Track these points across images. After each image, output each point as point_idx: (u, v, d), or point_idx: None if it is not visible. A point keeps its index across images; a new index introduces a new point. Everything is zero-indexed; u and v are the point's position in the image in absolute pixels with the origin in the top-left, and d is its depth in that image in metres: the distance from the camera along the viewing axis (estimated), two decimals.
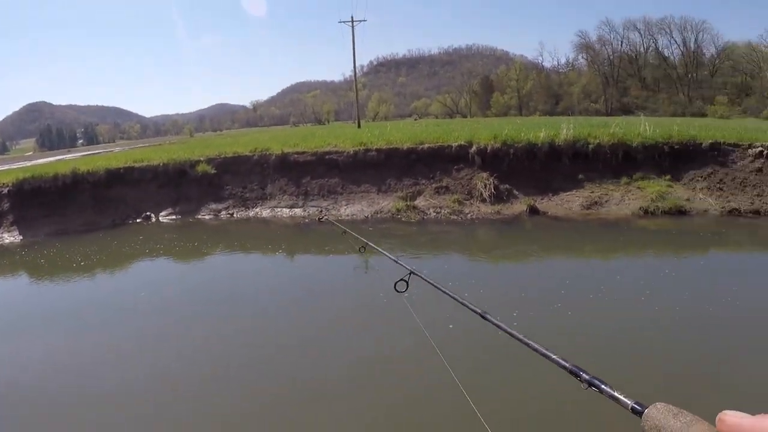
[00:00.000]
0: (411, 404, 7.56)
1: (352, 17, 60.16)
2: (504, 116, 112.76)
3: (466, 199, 20.97)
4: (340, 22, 61.72)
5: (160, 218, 22.55)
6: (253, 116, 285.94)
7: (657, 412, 1.33)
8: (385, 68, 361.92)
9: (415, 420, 7.24)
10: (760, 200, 20.88)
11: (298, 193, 22.52)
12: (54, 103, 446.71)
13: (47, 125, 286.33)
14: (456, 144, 22.78)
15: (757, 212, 20.29)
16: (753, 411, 0.97)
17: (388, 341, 9.52)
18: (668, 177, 21.95)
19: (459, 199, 20.84)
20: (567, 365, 2.41)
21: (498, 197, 20.94)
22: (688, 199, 20.99)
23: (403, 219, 19.98)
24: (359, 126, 54.82)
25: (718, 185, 21.71)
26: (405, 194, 21.19)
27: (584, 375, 2.26)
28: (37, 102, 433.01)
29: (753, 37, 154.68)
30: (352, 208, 21.17)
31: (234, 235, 19.74)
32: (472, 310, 3.17)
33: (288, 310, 11.46)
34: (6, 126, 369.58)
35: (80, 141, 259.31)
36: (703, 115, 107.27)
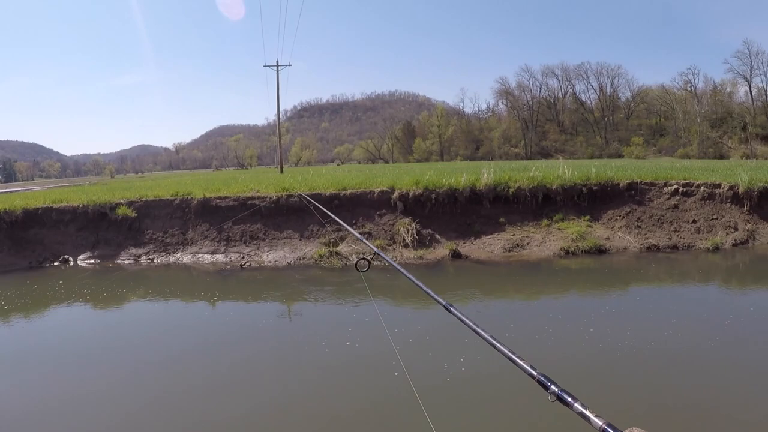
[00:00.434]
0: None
1: (277, 62, 60.49)
2: (426, 161, 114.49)
3: (389, 245, 20.96)
4: (266, 66, 61.92)
5: (78, 262, 21.81)
6: (176, 159, 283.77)
7: None
8: (309, 113, 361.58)
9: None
10: (677, 236, 21.45)
11: (219, 239, 22.20)
12: None
13: None
14: (378, 190, 22.81)
15: (675, 247, 20.88)
16: None
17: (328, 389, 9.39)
18: (587, 217, 22.36)
19: (382, 244, 20.78)
20: (535, 374, 2.33)
21: (420, 242, 20.99)
22: (607, 238, 21.38)
23: (325, 265, 19.78)
24: (282, 171, 54.95)
25: (636, 223, 22.19)
26: (328, 240, 21.06)
27: (553, 387, 2.18)
28: None
29: (666, 80, 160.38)
30: (275, 255, 20.97)
31: (155, 282, 19.08)
32: (437, 301, 3.10)
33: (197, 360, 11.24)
34: None
35: None
36: (620, 156, 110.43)
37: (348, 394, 9.16)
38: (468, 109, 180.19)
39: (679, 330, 11.59)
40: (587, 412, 1.89)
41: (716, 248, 20.84)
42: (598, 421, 1.79)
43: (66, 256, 21.98)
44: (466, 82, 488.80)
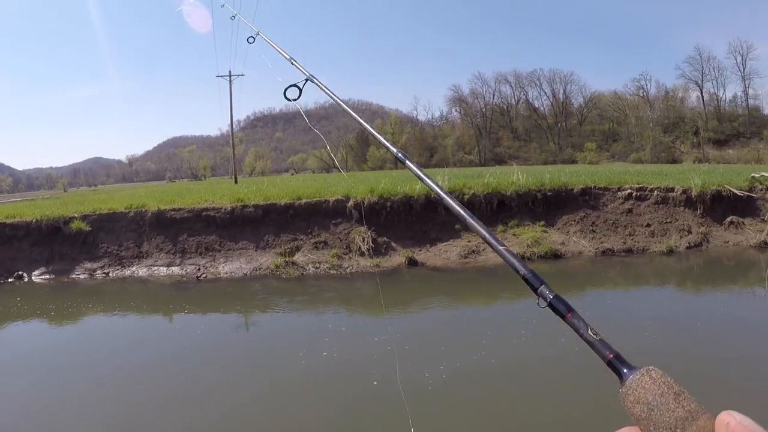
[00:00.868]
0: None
1: (230, 72, 60.15)
2: (380, 169, 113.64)
3: (345, 254, 20.88)
4: (218, 76, 61.29)
5: (33, 278, 21.31)
6: (129, 171, 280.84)
7: (651, 382, 0.99)
8: (262, 123, 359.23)
9: None
10: (631, 239, 21.67)
11: (175, 251, 21.94)
12: None
13: None
14: (333, 199, 22.68)
15: (629, 251, 21.12)
16: None
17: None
18: (542, 223, 22.50)
19: (338, 253, 20.71)
20: (522, 270, 1.65)
21: (377, 250, 20.92)
22: (562, 243, 21.52)
23: (282, 275, 19.65)
24: (236, 181, 54.37)
25: (591, 228, 22.35)
26: (284, 250, 20.95)
27: (544, 288, 1.59)
28: None
29: (618, 86, 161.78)
30: (231, 266, 20.80)
31: (112, 296, 18.73)
32: (394, 155, 2.77)
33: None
34: None
35: None
36: (574, 161, 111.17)
37: (333, 403, 9.10)
38: (422, 117, 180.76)
39: (647, 332, 11.69)
40: (588, 333, 1.34)
41: (671, 251, 21.05)
42: (606, 352, 1.28)
43: (20, 272, 21.52)
44: (419, 90, 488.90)
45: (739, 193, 23.43)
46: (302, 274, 19.80)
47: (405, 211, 22.56)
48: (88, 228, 22.62)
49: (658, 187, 23.94)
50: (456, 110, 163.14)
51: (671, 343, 11.26)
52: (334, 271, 19.84)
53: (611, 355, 1.22)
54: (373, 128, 2.94)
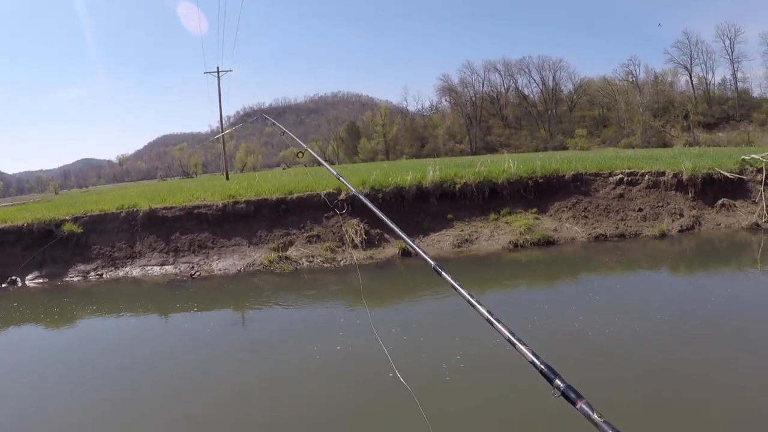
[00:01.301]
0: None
1: (218, 68, 59.91)
2: (372, 161, 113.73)
3: (339, 247, 20.89)
4: (206, 72, 61.11)
5: (27, 282, 21.17)
6: (120, 171, 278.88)
7: None
8: (252, 118, 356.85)
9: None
10: (624, 224, 21.75)
11: (168, 250, 21.88)
12: None
13: None
14: (325, 192, 22.57)
15: (622, 235, 21.21)
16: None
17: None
18: (535, 210, 22.52)
19: (331, 246, 20.72)
20: (538, 363, 2.12)
21: (370, 242, 20.96)
22: (555, 230, 21.56)
23: (276, 270, 19.64)
24: (227, 178, 54.26)
25: (583, 213, 22.41)
26: (277, 245, 20.93)
27: (558, 381, 1.99)
28: None
29: (608, 72, 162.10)
30: (224, 263, 20.78)
31: (106, 297, 18.61)
32: (426, 260, 2.89)
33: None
34: None
35: None
36: (565, 148, 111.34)
37: (345, 396, 9.18)
38: (411, 108, 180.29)
39: (653, 315, 11.76)
40: (593, 416, 1.75)
41: (663, 235, 21.13)
42: (606, 427, 1.68)
43: (14, 277, 21.37)
44: (408, 81, 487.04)
45: (729, 176, 23.46)
46: (296, 268, 19.79)
47: (397, 202, 22.62)
48: (80, 230, 22.50)
49: (649, 172, 23.96)
50: (446, 100, 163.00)
51: (675, 325, 11.31)
52: (328, 265, 19.83)
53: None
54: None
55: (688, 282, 16.28)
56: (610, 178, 23.95)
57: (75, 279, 21.14)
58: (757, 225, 21.66)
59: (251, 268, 20.13)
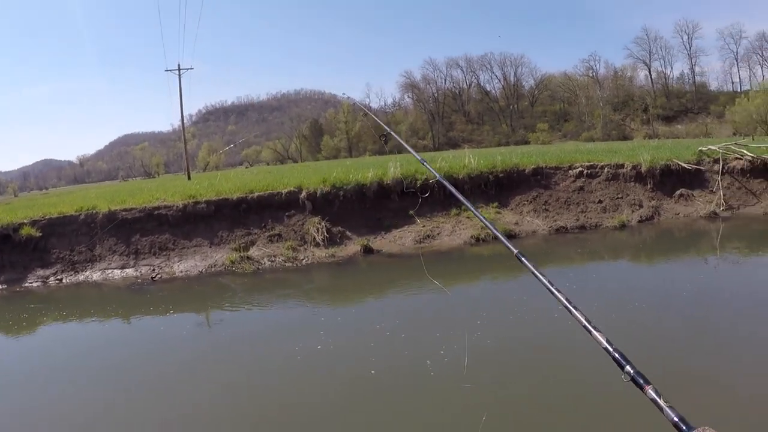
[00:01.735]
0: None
1: (179, 65, 59.13)
2: (335, 158, 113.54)
3: (300, 245, 20.78)
4: (167, 70, 60.37)
5: None
6: (81, 172, 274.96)
7: None
8: (214, 116, 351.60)
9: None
10: (584, 216, 21.94)
11: (128, 253, 21.57)
12: None
13: None
14: (285, 190, 22.53)
15: (582, 227, 21.43)
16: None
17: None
18: (496, 204, 22.64)
19: (293, 245, 20.60)
20: (611, 349, 2.23)
21: (331, 240, 20.87)
22: (516, 223, 21.71)
23: (238, 271, 19.49)
24: (189, 177, 53.73)
25: (543, 207, 22.58)
26: (238, 245, 20.77)
27: (629, 367, 2.10)
28: None
29: (568, 67, 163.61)
30: (186, 264, 20.60)
31: (66, 302, 18.24)
32: (508, 247, 2.94)
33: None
34: None
35: None
36: (527, 142, 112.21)
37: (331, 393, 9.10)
38: (374, 104, 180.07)
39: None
40: (660, 401, 1.83)
41: (623, 225, 21.35)
42: (671, 413, 1.74)
43: None
44: (370, 77, 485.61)
45: (687, 167, 23.78)
46: (258, 268, 19.68)
47: (358, 199, 22.54)
48: (38, 234, 22.11)
49: (608, 164, 24.23)
50: (408, 96, 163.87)
51: (648, 312, 11.46)
52: (290, 264, 19.76)
53: (677, 419, 1.63)
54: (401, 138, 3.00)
55: (653, 270, 16.51)
56: (570, 172, 24.14)
57: (34, 284, 20.79)
58: (715, 213, 22.01)
59: (213, 269, 19.99)
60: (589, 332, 2.35)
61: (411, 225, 21.63)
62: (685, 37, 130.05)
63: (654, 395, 1.86)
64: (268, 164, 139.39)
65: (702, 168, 24.04)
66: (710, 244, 19.09)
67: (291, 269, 19.34)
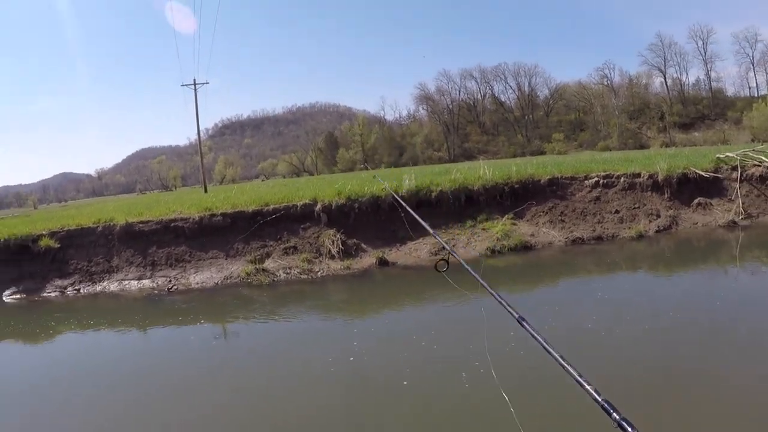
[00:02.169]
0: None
1: (194, 80, 59.54)
2: (350, 171, 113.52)
3: (316, 258, 20.78)
4: (183, 85, 60.64)
5: (3, 298, 20.91)
6: (99, 185, 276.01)
7: None
8: (230, 130, 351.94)
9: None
10: (600, 227, 21.78)
11: (145, 264, 21.69)
12: None
13: None
14: (301, 203, 22.59)
15: (599, 238, 21.24)
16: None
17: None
18: (511, 215, 22.46)
19: (308, 257, 20.61)
20: (599, 399, 2.34)
21: (347, 252, 20.85)
22: (532, 235, 21.58)
23: (254, 282, 19.52)
24: (206, 190, 53.91)
25: (560, 218, 22.44)
26: (254, 257, 20.80)
27: (615, 414, 2.18)
28: None
29: (582, 76, 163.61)
30: (202, 276, 20.65)
31: (84, 313, 18.16)
32: (510, 312, 3.04)
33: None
34: None
35: None
36: (542, 153, 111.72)
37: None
38: (389, 117, 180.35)
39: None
40: None
41: (640, 236, 21.16)
42: None
43: None
44: (385, 90, 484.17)
45: (705, 175, 23.62)
46: (273, 280, 19.68)
47: (373, 211, 22.54)
48: (57, 245, 22.28)
49: (624, 174, 24.05)
50: (423, 108, 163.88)
51: (674, 324, 11.39)
52: (305, 276, 19.75)
53: None
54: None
55: (671, 282, 16.30)
56: (586, 182, 23.99)
57: (52, 294, 20.91)
58: (734, 222, 21.81)
59: (228, 281, 20.01)
60: (582, 386, 2.42)
61: (426, 237, 21.51)
62: (700, 43, 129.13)
63: None
64: (284, 177, 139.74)
65: (720, 176, 23.88)
66: (729, 253, 18.90)
67: (306, 281, 19.33)
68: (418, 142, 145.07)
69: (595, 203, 23.14)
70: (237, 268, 20.61)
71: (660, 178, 23.26)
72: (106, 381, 11.47)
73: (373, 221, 22.29)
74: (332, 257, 20.60)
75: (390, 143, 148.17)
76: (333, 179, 39.42)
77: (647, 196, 23.26)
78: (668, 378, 8.80)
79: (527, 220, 22.63)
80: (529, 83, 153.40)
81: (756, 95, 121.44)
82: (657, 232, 21.56)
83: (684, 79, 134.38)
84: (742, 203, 22.56)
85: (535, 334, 2.72)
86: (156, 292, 20.03)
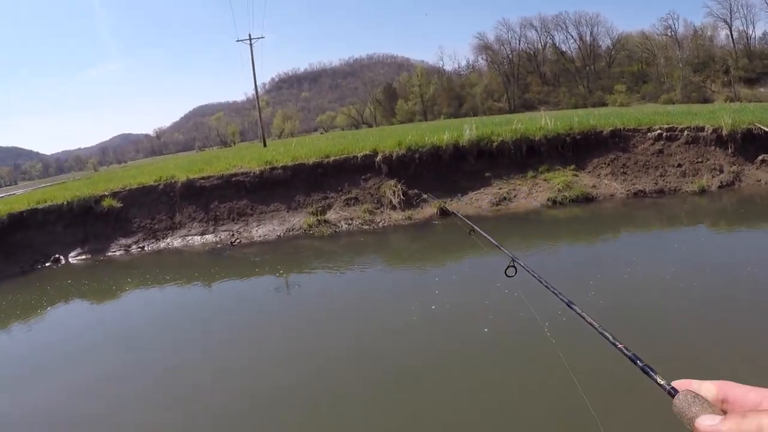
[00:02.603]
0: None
1: (249, 35, 59.06)
2: (410, 122, 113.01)
3: (377, 208, 20.96)
4: (238, 40, 60.44)
5: (70, 260, 21.48)
6: (158, 144, 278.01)
7: (682, 399, 1.31)
8: (288, 84, 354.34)
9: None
10: (663, 180, 21.45)
11: (207, 219, 22.08)
12: None
13: None
14: (361, 154, 22.77)
15: (661, 192, 20.97)
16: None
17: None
18: (573, 167, 22.35)
19: (369, 208, 20.81)
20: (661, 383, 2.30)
21: (408, 203, 21.01)
22: (594, 186, 21.42)
23: (315, 234, 19.81)
24: (265, 145, 53.91)
25: (621, 170, 22.20)
26: (315, 209, 21.01)
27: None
28: None
29: (646, 26, 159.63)
30: (264, 229, 20.91)
31: (149, 269, 18.62)
32: (560, 299, 3.08)
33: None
34: None
35: None
36: (604, 104, 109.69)
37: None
38: (448, 67, 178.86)
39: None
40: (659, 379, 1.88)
41: (702, 191, 20.91)
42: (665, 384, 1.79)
43: (57, 256, 21.51)
44: (444, 40, 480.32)
45: None
46: (335, 231, 19.95)
47: (434, 162, 22.65)
48: (119, 205, 22.69)
49: (688, 127, 23.62)
50: (482, 58, 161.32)
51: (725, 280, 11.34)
52: (367, 226, 19.94)
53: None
54: None
55: (735, 238, 16.09)
56: (649, 134, 23.65)
57: (117, 253, 21.35)
58: None
59: (291, 233, 20.26)
60: (634, 362, 2.44)
61: (487, 187, 21.56)
62: None
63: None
64: (343, 129, 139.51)
65: None
66: None
67: (368, 231, 19.51)
68: (477, 92, 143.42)
69: (657, 156, 22.83)
70: (299, 220, 20.83)
71: (724, 132, 22.77)
72: (199, 325, 12.19)
73: (434, 171, 22.38)
74: (393, 207, 20.72)
75: (449, 94, 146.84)
76: (392, 130, 39.38)
77: (710, 150, 22.85)
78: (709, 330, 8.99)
79: (589, 172, 22.47)
80: (591, 33, 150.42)
81: None
82: (720, 187, 21.21)
83: (750, 32, 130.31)
84: None
85: (586, 317, 2.70)
86: (219, 246, 20.38)
